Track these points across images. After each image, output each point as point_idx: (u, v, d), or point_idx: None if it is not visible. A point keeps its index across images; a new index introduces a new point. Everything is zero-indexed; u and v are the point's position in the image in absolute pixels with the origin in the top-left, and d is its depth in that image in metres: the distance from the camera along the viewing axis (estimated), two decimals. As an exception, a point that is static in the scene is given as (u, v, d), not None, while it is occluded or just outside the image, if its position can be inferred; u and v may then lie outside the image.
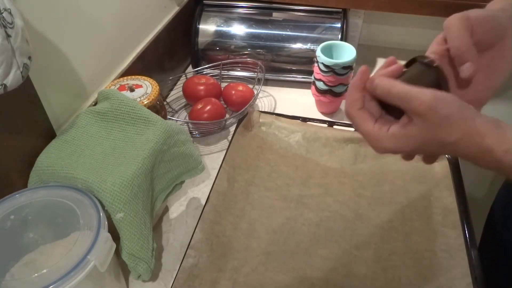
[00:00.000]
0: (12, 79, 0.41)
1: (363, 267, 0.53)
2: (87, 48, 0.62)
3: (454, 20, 0.42)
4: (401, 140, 0.37)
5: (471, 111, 0.36)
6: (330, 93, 0.76)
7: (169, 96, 0.85)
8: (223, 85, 0.83)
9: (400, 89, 0.37)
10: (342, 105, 0.83)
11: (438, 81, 0.39)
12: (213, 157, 0.72)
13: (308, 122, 0.72)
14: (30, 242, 0.46)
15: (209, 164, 0.71)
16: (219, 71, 0.86)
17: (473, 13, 0.41)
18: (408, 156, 0.43)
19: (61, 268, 0.39)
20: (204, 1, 0.90)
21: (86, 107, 0.63)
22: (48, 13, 0.53)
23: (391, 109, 0.39)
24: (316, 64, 0.75)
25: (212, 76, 0.85)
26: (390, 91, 0.37)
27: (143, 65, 0.75)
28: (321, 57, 0.73)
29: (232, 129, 0.76)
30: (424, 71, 0.40)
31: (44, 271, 0.39)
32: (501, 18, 0.42)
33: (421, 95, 0.35)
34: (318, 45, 0.76)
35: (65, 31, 0.57)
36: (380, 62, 0.97)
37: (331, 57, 0.75)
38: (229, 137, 0.75)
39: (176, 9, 0.88)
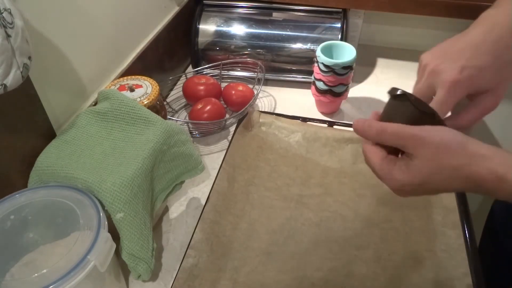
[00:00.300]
0: (12, 79, 0.41)
1: (363, 267, 0.53)
2: (87, 48, 0.62)
3: (441, 90, 0.43)
4: (409, 173, 0.38)
5: (465, 137, 0.36)
6: (330, 93, 0.76)
7: (169, 96, 0.85)
8: (223, 85, 0.83)
9: (393, 129, 0.39)
10: (342, 105, 0.83)
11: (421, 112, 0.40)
12: (213, 157, 0.72)
13: (308, 122, 0.72)
14: (30, 242, 0.46)
15: (209, 164, 0.71)
16: (219, 71, 0.86)
17: (466, 72, 0.43)
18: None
19: (61, 268, 0.39)
20: (204, 1, 0.90)
21: (86, 107, 0.63)
22: (48, 13, 0.53)
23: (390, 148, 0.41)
24: (316, 64, 0.75)
25: (212, 76, 0.85)
26: (385, 130, 0.40)
27: (143, 65, 0.75)
28: (321, 57, 0.73)
29: (232, 129, 0.76)
30: (404, 106, 0.41)
31: (44, 271, 0.39)
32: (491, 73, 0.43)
33: (411, 130, 0.38)
34: (318, 45, 0.75)
35: (65, 31, 0.57)
36: (380, 62, 0.97)
37: (331, 57, 0.75)
38: (229, 137, 0.75)
39: (176, 9, 0.88)
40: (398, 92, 0.41)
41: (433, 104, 0.43)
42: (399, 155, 0.42)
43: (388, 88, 0.44)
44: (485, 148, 0.35)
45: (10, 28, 0.40)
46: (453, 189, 0.38)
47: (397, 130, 0.39)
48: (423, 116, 0.40)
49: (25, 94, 0.50)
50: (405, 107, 0.41)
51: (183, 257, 0.51)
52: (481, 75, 0.43)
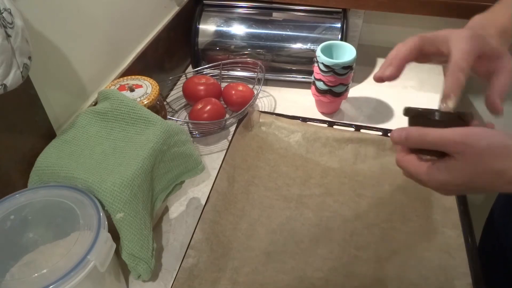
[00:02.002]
0: (12, 79, 0.41)
1: (363, 267, 0.53)
2: (87, 48, 0.62)
3: (459, 42, 0.43)
4: (450, 173, 0.38)
5: (508, 138, 0.36)
6: (330, 93, 0.76)
7: (169, 96, 0.85)
8: (223, 85, 0.83)
9: (434, 135, 0.38)
10: (342, 105, 0.83)
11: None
12: (213, 157, 0.72)
13: (308, 122, 0.72)
14: (30, 242, 0.46)
15: (209, 164, 0.71)
16: (219, 71, 0.86)
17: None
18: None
19: (61, 268, 0.39)
20: (204, 1, 0.90)
21: (86, 107, 0.63)
22: (48, 13, 0.53)
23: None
24: (316, 64, 0.75)
25: (212, 76, 0.85)
26: (425, 139, 0.39)
27: (143, 65, 0.75)
28: (321, 57, 0.73)
29: (232, 129, 0.76)
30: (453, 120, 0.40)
31: (44, 271, 0.39)
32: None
33: (454, 136, 0.37)
34: (318, 45, 0.75)
35: (65, 31, 0.57)
36: (380, 62, 0.97)
37: (331, 57, 0.75)
38: (229, 137, 0.75)
39: (176, 9, 0.88)
40: (419, 110, 0.42)
41: (453, 58, 0.42)
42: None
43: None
44: None
45: (10, 28, 0.40)
46: (497, 190, 0.37)
47: (439, 136, 0.38)
48: (449, 121, 0.39)
49: (25, 94, 0.50)
50: (428, 122, 0.40)
51: (183, 257, 0.51)
52: (488, 39, 0.43)
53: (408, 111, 0.42)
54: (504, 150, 0.35)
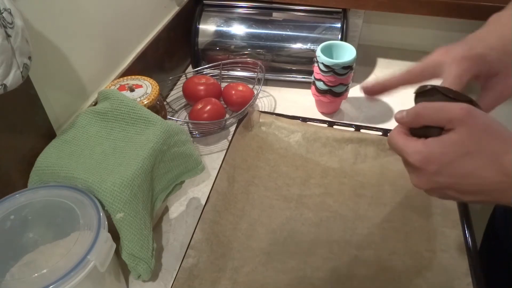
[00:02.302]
0: (12, 79, 0.41)
1: (363, 267, 0.53)
2: (87, 48, 0.62)
3: (451, 65, 0.42)
4: (441, 146, 0.35)
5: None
6: (330, 93, 0.76)
7: (169, 96, 0.85)
8: (223, 85, 0.83)
9: (435, 104, 0.36)
10: (342, 105, 0.83)
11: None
12: (213, 157, 0.72)
13: (308, 122, 0.72)
14: (30, 242, 0.46)
15: (209, 164, 0.71)
16: (219, 71, 0.86)
17: (470, 52, 0.42)
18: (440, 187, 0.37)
19: (61, 268, 0.39)
20: (204, 1, 0.90)
21: (86, 107, 0.63)
22: (48, 13, 0.53)
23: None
24: (316, 64, 0.75)
25: (212, 76, 0.85)
26: (424, 106, 0.37)
27: (143, 65, 0.75)
28: (321, 57, 0.73)
29: (232, 129, 0.76)
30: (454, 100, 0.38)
31: (44, 271, 0.39)
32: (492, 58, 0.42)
33: (459, 104, 0.35)
34: (318, 45, 0.75)
35: (65, 31, 0.57)
36: (380, 62, 0.97)
37: (331, 57, 0.75)
38: (229, 137, 0.75)
39: (176, 9, 0.88)
40: (428, 87, 0.38)
41: (445, 83, 0.40)
42: None
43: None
44: None
45: (10, 28, 0.40)
46: (481, 181, 0.34)
47: (442, 103, 0.36)
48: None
49: (25, 94, 0.50)
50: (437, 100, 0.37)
51: (183, 257, 0.51)
52: (490, 54, 0.42)
53: (420, 88, 0.39)
54: (502, 133, 0.34)
